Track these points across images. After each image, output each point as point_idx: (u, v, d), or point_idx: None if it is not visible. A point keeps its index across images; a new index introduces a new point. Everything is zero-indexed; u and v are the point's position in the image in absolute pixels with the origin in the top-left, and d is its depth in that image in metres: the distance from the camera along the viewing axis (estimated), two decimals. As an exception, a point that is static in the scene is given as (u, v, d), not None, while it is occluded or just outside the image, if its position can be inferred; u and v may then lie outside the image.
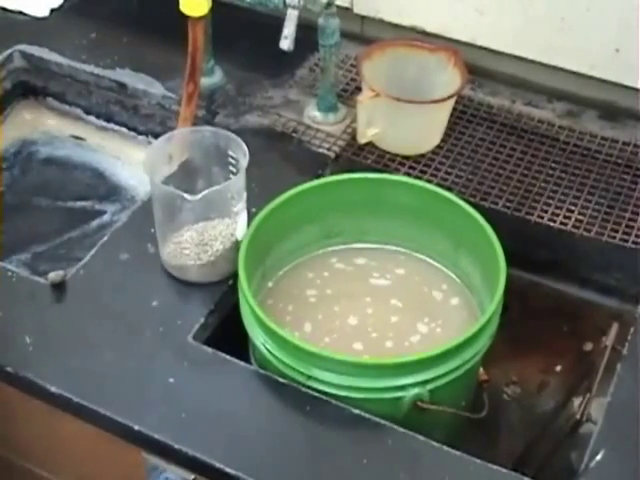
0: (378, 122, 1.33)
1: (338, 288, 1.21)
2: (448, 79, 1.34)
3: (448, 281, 1.22)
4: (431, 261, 1.24)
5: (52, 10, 1.63)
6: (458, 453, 1.01)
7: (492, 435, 1.27)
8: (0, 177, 1.48)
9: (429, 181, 1.28)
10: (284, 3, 1.28)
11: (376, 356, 1.12)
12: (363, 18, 1.56)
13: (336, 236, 1.24)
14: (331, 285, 1.21)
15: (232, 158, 1.18)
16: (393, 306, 1.19)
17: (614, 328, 1.20)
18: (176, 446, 1.01)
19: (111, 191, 1.49)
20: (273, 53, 1.31)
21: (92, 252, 1.22)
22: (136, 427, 1.03)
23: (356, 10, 1.54)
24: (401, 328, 1.16)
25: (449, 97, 1.32)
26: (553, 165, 1.36)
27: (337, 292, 1.20)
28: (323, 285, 1.21)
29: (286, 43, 1.29)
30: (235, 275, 1.11)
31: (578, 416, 1.17)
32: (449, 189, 1.25)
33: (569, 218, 1.28)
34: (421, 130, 1.35)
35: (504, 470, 1.00)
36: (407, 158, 1.35)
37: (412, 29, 1.51)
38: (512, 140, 1.40)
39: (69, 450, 1.21)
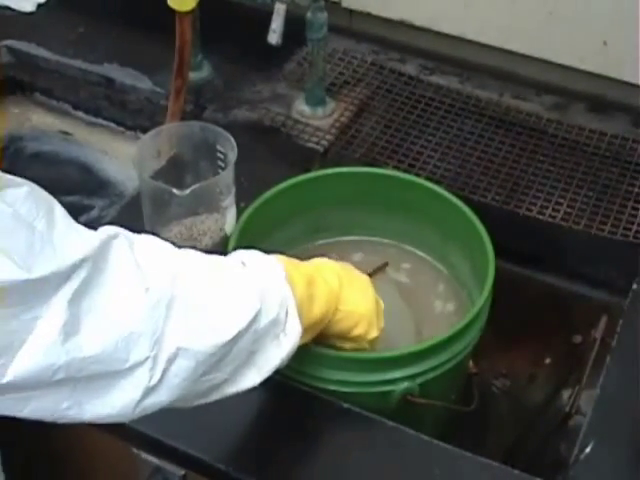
0: None
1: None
2: None
3: (442, 279, 1.22)
4: (421, 254, 1.24)
5: (39, 5, 1.62)
6: (448, 446, 1.01)
7: (482, 428, 1.27)
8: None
9: (417, 175, 1.28)
10: (272, -3, 1.28)
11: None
12: (351, 12, 1.56)
13: (324, 230, 1.24)
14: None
15: (220, 153, 1.18)
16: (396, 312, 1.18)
17: (603, 320, 1.21)
18: (166, 442, 1.01)
19: (99, 186, 1.48)
20: (261, 47, 1.31)
21: (81, 248, 1.22)
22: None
23: (344, 4, 1.54)
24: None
25: None
26: (541, 158, 1.36)
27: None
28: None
29: (274, 37, 1.29)
30: (224, 270, 1.11)
31: (567, 408, 1.18)
32: (438, 182, 1.25)
33: (558, 211, 1.28)
34: None
35: (494, 463, 1.00)
36: (395, 152, 1.35)
37: (400, 22, 1.51)
38: (500, 133, 1.40)
39: (59, 444, 1.21)
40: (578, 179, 1.33)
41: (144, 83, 1.48)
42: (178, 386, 0.81)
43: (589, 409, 1.07)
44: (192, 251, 0.89)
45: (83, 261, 0.74)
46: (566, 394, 1.23)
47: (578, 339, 1.30)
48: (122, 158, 1.49)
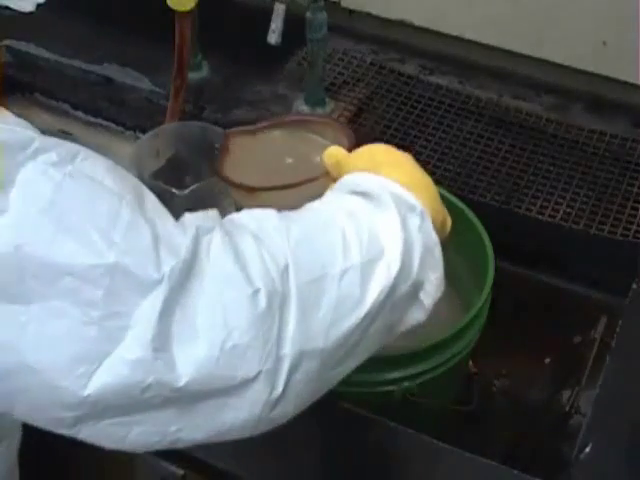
0: None
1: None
2: None
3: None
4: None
5: (38, 5, 1.62)
6: (447, 446, 1.01)
7: (482, 428, 1.27)
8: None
9: (417, 175, 1.28)
10: (271, -3, 1.28)
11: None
12: (351, 12, 1.56)
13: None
14: None
15: (220, 153, 1.17)
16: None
17: (603, 321, 1.21)
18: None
19: (99, 186, 1.48)
20: (261, 47, 1.31)
21: (80, 248, 1.21)
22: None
23: (344, 4, 1.54)
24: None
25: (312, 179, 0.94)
26: (541, 158, 1.36)
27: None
28: None
29: (274, 37, 1.29)
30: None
31: (567, 408, 1.18)
32: (437, 182, 1.24)
33: (557, 211, 1.28)
34: None
35: (494, 463, 1.00)
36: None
37: (400, 22, 1.51)
38: (500, 133, 1.40)
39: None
40: (578, 179, 1.33)
41: (143, 83, 1.48)
42: (304, 391, 0.70)
43: (589, 409, 1.07)
44: (295, 219, 0.73)
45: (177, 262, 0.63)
46: (566, 394, 1.23)
47: (578, 339, 1.30)
48: (122, 158, 1.49)
